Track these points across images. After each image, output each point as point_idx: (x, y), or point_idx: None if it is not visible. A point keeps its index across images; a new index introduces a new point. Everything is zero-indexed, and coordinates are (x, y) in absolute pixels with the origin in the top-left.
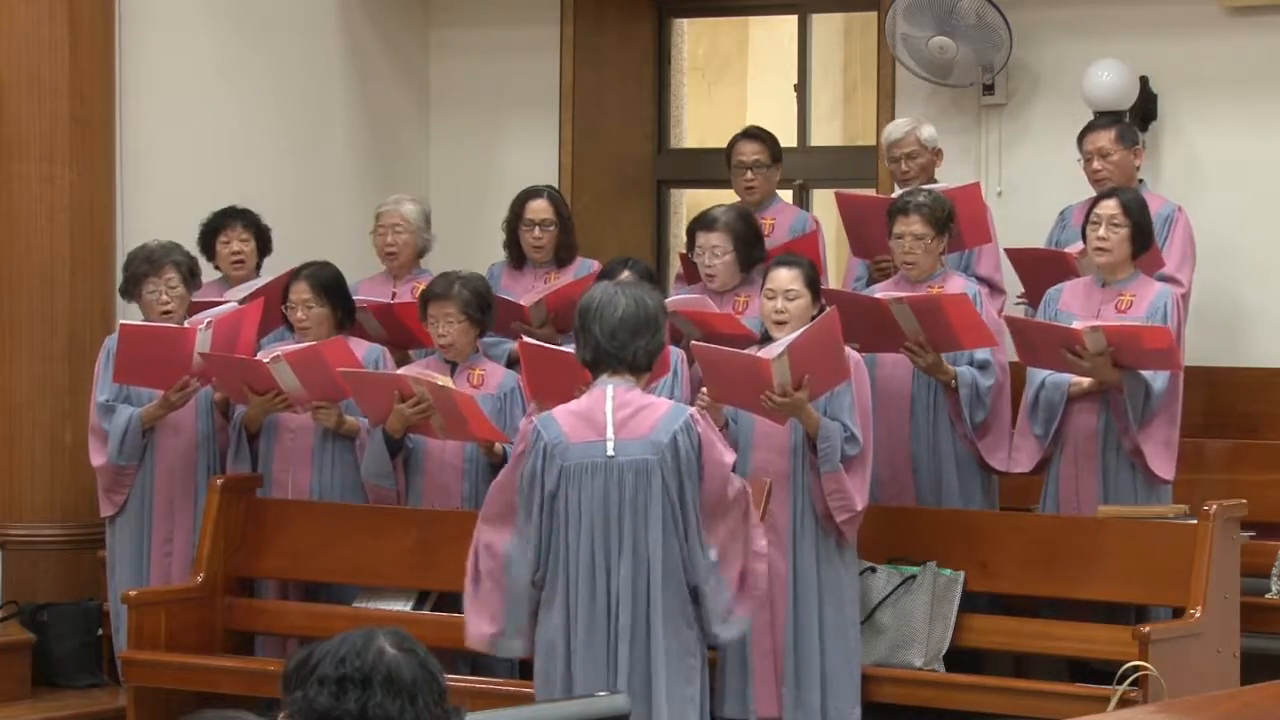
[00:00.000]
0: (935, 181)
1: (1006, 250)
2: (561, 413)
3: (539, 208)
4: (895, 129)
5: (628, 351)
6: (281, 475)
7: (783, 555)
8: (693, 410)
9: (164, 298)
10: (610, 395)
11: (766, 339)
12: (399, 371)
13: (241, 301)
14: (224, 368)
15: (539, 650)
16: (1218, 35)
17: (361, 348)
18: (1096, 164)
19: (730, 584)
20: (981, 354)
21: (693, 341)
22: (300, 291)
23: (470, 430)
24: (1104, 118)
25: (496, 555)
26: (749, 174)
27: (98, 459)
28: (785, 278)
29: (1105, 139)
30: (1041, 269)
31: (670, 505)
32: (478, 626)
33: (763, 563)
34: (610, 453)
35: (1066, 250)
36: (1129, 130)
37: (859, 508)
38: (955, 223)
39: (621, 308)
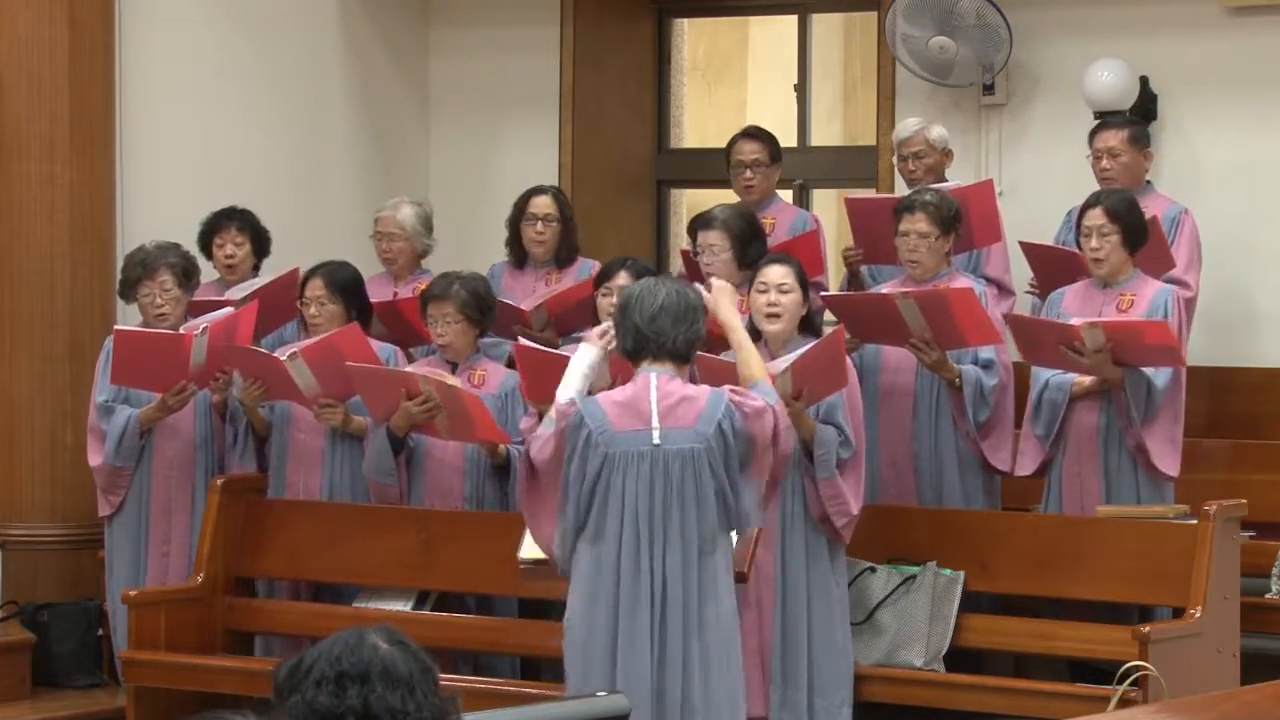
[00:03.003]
0: (945, 182)
1: (1021, 243)
2: (605, 400)
3: (543, 202)
4: (904, 128)
5: (667, 338)
6: (293, 477)
7: (771, 556)
8: (727, 390)
9: (158, 300)
10: (654, 384)
11: (754, 334)
12: (407, 369)
13: (239, 303)
14: (242, 361)
15: (579, 637)
16: (1218, 35)
17: (374, 347)
18: (1105, 163)
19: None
20: (986, 353)
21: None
22: (315, 288)
23: (475, 431)
24: (1117, 116)
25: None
26: (748, 173)
27: (95, 459)
28: (777, 273)
29: (1117, 139)
30: (1054, 265)
31: (721, 494)
32: (542, 527)
33: (771, 415)
34: (656, 441)
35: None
36: (1142, 133)
37: (855, 511)
38: (962, 223)
39: (662, 296)
